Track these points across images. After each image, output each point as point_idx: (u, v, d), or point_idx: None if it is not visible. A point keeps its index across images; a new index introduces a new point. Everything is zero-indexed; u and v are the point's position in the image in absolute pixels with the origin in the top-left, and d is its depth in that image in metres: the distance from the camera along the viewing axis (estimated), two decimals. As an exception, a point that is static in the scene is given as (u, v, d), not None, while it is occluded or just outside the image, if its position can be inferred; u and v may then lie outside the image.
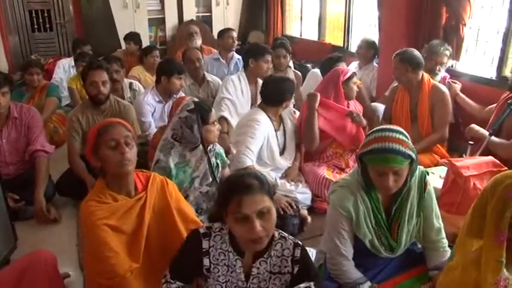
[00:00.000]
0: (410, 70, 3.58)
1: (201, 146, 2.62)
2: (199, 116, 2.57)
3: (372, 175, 1.89)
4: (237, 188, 1.56)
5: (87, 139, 2.01)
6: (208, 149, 2.69)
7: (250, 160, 3.05)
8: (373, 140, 1.83)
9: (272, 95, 3.26)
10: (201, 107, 2.62)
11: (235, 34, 5.39)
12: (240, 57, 5.31)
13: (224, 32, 5.37)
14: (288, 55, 4.65)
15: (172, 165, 2.55)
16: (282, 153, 3.35)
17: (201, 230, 1.70)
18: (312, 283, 1.66)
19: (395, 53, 3.69)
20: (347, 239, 1.99)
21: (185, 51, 4.61)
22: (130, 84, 4.37)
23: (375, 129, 1.91)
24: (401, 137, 1.81)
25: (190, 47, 5.54)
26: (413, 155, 1.82)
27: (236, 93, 3.96)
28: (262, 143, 3.17)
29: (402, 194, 1.96)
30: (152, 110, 3.88)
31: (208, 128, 2.61)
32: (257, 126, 3.14)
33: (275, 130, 3.28)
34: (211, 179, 2.68)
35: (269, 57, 4.02)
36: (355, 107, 3.60)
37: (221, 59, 5.23)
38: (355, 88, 3.47)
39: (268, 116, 3.25)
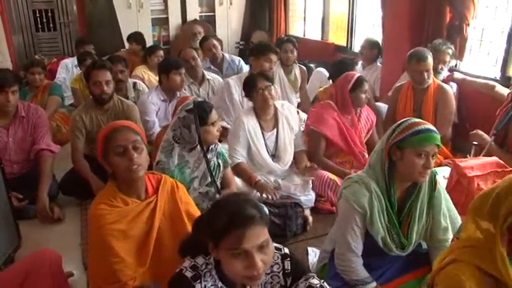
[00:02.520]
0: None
1: (199, 146, 2.60)
2: (198, 116, 2.55)
3: (408, 161, 1.89)
4: (237, 220, 1.36)
5: (97, 145, 1.99)
6: (210, 148, 2.67)
7: (238, 159, 3.07)
8: (412, 124, 1.91)
9: (245, 89, 3.24)
10: (200, 107, 2.59)
11: (214, 41, 5.22)
12: (233, 58, 5.30)
13: (203, 43, 5.26)
14: (294, 50, 4.63)
15: (172, 167, 2.55)
16: (273, 157, 3.22)
17: (188, 274, 1.48)
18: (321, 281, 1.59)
19: (423, 54, 3.53)
20: (358, 235, 1.99)
21: (180, 52, 4.58)
22: (134, 84, 4.37)
23: (403, 120, 1.97)
24: None
25: (194, 47, 5.55)
26: None
27: (232, 98, 3.96)
28: (249, 144, 3.13)
29: (415, 192, 2.00)
30: (156, 109, 3.90)
31: (207, 128, 2.58)
32: (239, 126, 3.13)
33: (262, 131, 3.18)
34: (210, 180, 2.67)
35: (271, 56, 3.98)
36: (367, 115, 3.49)
37: (212, 67, 5.18)
38: (363, 97, 3.31)
39: (257, 116, 3.18)
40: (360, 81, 3.28)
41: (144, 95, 4.02)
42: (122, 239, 1.88)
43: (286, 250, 1.63)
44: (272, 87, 3.14)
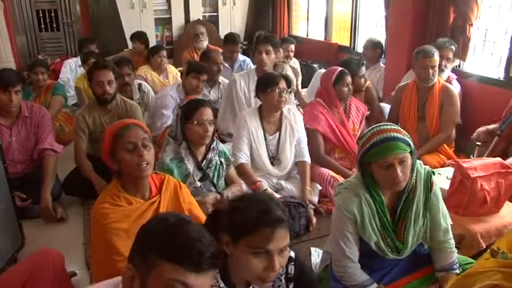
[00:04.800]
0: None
1: (184, 143, 2.62)
2: (183, 114, 2.59)
3: (377, 174, 1.88)
4: (268, 219, 1.34)
5: (103, 141, 1.99)
6: (212, 147, 2.70)
7: (242, 158, 3.06)
8: (371, 136, 1.87)
9: (261, 85, 3.15)
10: (188, 104, 2.61)
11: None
12: (245, 58, 5.28)
13: (227, 43, 5.16)
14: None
15: (166, 161, 2.58)
16: (272, 161, 3.21)
17: None
18: None
19: (430, 50, 3.51)
20: (352, 241, 1.97)
21: (207, 51, 4.53)
22: (140, 85, 4.35)
23: (368, 129, 1.94)
24: (395, 127, 1.88)
25: (197, 47, 5.55)
26: (412, 144, 1.85)
27: (236, 94, 3.86)
28: (251, 144, 3.11)
29: (406, 194, 1.96)
30: (175, 104, 3.83)
31: (189, 126, 2.57)
32: (242, 125, 3.11)
33: (265, 133, 3.16)
34: (201, 174, 2.68)
35: (265, 48, 3.84)
36: (357, 106, 3.55)
37: (224, 64, 5.16)
38: (346, 90, 3.38)
39: (261, 116, 3.16)
40: (341, 75, 3.37)
41: (165, 89, 4.01)
42: (125, 238, 1.88)
43: (292, 254, 1.60)
44: (288, 92, 3.11)
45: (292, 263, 1.58)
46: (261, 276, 1.36)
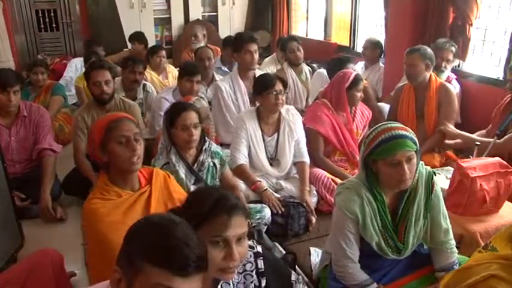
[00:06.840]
0: (429, 67, 3.53)
1: (173, 148, 2.56)
2: (169, 118, 2.53)
3: (384, 172, 1.88)
4: (224, 205, 1.35)
5: (93, 133, 1.97)
6: (204, 149, 2.63)
7: (241, 159, 3.04)
8: (378, 134, 1.87)
9: (257, 86, 3.13)
10: (171, 109, 2.56)
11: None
12: None
13: (227, 46, 5.05)
14: (300, 48, 4.40)
15: (158, 165, 2.52)
16: (271, 162, 3.19)
17: None
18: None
19: (412, 48, 3.56)
20: (353, 241, 1.97)
21: (197, 49, 4.59)
22: (144, 85, 4.36)
23: (374, 127, 1.94)
24: (402, 125, 1.89)
25: (194, 48, 5.54)
26: (417, 143, 1.86)
27: (224, 102, 3.76)
28: (249, 145, 3.10)
29: (408, 194, 1.96)
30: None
31: (174, 131, 2.51)
32: (241, 126, 3.09)
33: (263, 134, 3.15)
34: (194, 178, 2.61)
35: (254, 47, 3.74)
36: (362, 111, 3.53)
37: (223, 67, 5.13)
38: (358, 95, 3.35)
39: (259, 118, 3.14)
40: (357, 80, 3.34)
41: (161, 93, 3.96)
42: (119, 230, 1.85)
43: (259, 248, 1.60)
44: (285, 93, 3.10)
45: (261, 258, 1.57)
46: (221, 267, 1.33)
